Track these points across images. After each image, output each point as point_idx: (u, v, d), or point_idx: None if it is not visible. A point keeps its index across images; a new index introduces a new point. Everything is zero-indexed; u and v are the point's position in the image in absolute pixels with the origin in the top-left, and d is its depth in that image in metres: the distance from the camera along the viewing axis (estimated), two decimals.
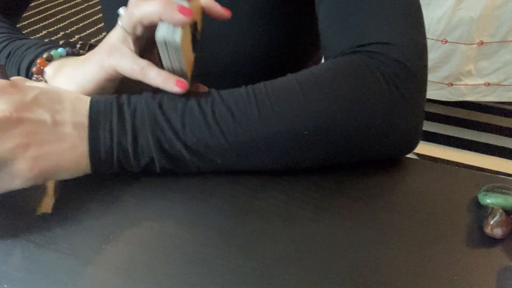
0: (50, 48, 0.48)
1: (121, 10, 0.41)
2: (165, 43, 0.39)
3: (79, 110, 0.39)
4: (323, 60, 0.66)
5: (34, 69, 0.45)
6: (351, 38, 0.45)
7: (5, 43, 0.50)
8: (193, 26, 0.41)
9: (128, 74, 0.41)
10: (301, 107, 0.40)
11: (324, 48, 0.49)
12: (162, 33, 0.38)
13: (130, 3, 0.41)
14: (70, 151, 0.38)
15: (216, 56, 0.57)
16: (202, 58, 0.46)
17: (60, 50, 0.47)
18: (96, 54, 0.43)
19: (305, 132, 0.40)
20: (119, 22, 0.41)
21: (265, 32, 0.56)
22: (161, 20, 0.39)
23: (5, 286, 0.33)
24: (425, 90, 0.45)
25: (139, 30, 0.41)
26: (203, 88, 0.44)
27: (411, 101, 0.43)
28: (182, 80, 0.40)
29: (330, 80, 0.41)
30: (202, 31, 0.45)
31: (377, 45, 0.43)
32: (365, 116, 0.41)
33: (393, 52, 0.43)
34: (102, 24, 2.69)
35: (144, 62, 0.41)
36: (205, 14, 0.44)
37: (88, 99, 0.40)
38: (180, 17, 0.38)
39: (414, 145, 0.45)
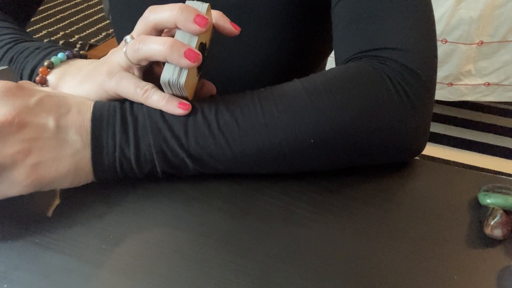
0: (50, 53, 0.48)
1: (128, 38, 0.40)
2: (169, 84, 0.38)
3: (84, 114, 0.39)
4: (326, 67, 0.66)
5: (37, 78, 0.45)
6: (362, 43, 0.45)
7: (8, 46, 0.50)
8: (201, 46, 0.39)
9: (131, 97, 0.40)
10: (308, 116, 0.40)
11: (335, 52, 0.49)
12: (167, 76, 0.37)
13: (136, 35, 0.40)
14: (72, 157, 0.38)
15: (226, 59, 0.57)
16: (210, 61, 0.45)
17: (60, 55, 0.46)
18: (98, 75, 0.41)
19: (312, 141, 0.40)
20: (124, 49, 0.39)
21: (278, 36, 0.55)
22: (167, 61, 0.37)
23: (5, 286, 0.33)
24: (433, 97, 0.45)
25: (143, 63, 0.39)
26: (209, 85, 0.44)
27: (420, 107, 0.43)
28: (185, 102, 0.39)
29: (338, 87, 0.41)
30: (213, 41, 0.43)
31: (388, 51, 0.43)
32: (372, 124, 0.41)
33: (403, 58, 0.43)
34: (102, 24, 2.69)
35: (147, 85, 0.40)
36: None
37: (92, 103, 0.40)
38: (186, 62, 0.36)
39: (421, 149, 0.45)
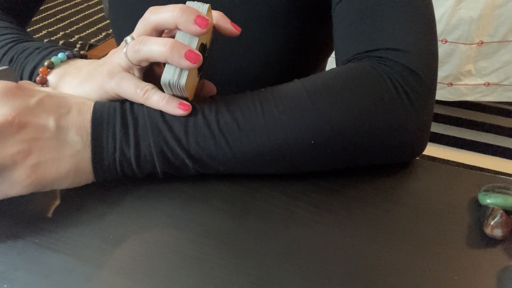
0: (51, 53, 0.48)
1: (128, 39, 0.40)
2: (170, 85, 0.38)
3: (84, 114, 0.39)
4: (327, 68, 0.66)
5: (37, 78, 0.45)
6: (362, 43, 0.45)
7: (9, 46, 0.50)
8: (202, 47, 0.40)
9: (131, 98, 0.40)
10: (309, 116, 0.40)
11: (336, 52, 0.49)
12: (168, 77, 0.37)
13: (137, 36, 0.40)
14: (72, 157, 0.38)
15: (227, 59, 0.57)
16: (211, 62, 0.45)
17: (60, 55, 0.46)
18: (98, 75, 0.41)
19: (312, 142, 0.40)
20: (124, 50, 0.39)
21: (278, 37, 0.55)
22: (167, 62, 0.37)
23: (5, 286, 0.33)
24: (434, 97, 0.45)
25: (144, 64, 0.39)
26: (209, 85, 0.44)
27: (420, 108, 0.43)
28: (185, 102, 0.39)
29: (339, 88, 0.41)
30: (214, 41, 0.43)
31: (388, 51, 0.43)
32: (373, 125, 0.41)
33: (404, 58, 0.43)
34: (102, 24, 2.69)
35: (147, 86, 0.40)
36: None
37: (92, 104, 0.40)
38: (187, 63, 0.36)
39: (421, 150, 0.45)
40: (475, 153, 1.74)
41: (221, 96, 0.42)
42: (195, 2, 0.39)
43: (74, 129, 0.38)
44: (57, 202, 0.41)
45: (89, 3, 3.01)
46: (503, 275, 0.35)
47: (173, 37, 0.38)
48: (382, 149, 0.43)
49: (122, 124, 0.39)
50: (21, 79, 0.48)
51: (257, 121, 0.40)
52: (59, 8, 2.92)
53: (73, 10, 2.89)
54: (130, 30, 0.41)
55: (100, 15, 2.83)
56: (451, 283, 0.34)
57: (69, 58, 0.47)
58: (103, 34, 2.56)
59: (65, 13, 2.83)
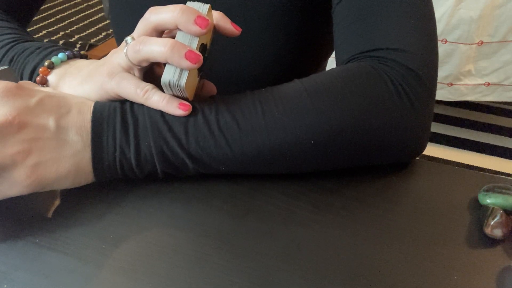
0: (51, 53, 0.48)
1: (129, 39, 0.40)
2: (170, 85, 0.38)
3: (84, 115, 0.39)
4: (327, 68, 0.66)
5: (38, 78, 0.45)
6: (362, 43, 0.45)
7: (9, 46, 0.50)
8: (202, 47, 0.40)
9: (131, 98, 0.40)
10: (309, 117, 0.40)
11: (336, 52, 0.49)
12: (168, 77, 0.37)
13: (137, 36, 0.40)
14: (72, 157, 0.38)
15: (227, 59, 0.57)
16: (211, 62, 0.44)
17: (60, 55, 0.46)
18: (98, 75, 0.41)
19: (312, 142, 0.40)
20: (125, 50, 0.39)
21: (279, 37, 0.55)
22: (167, 62, 0.37)
23: (5, 286, 0.33)
24: (434, 97, 0.45)
25: (144, 64, 0.39)
26: (209, 85, 0.44)
27: (420, 108, 0.43)
28: (185, 102, 0.39)
29: (339, 88, 0.41)
30: (214, 41, 0.43)
31: (389, 51, 0.43)
32: (373, 125, 0.41)
33: (404, 59, 0.43)
34: (102, 24, 2.69)
35: (147, 86, 0.40)
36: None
37: (92, 104, 0.40)
38: (187, 63, 0.36)
39: (422, 149, 0.45)
40: (475, 153, 1.74)
41: (221, 96, 0.42)
42: (196, 2, 0.39)
43: (74, 129, 0.38)
44: (57, 202, 0.41)
45: (89, 3, 3.01)
46: (503, 275, 0.35)
47: (174, 37, 0.38)
48: (382, 149, 0.43)
49: (122, 124, 0.39)
50: (21, 79, 0.48)
51: (257, 121, 0.40)
52: (59, 8, 2.92)
53: (73, 10, 2.90)
54: (130, 30, 0.41)
55: (100, 15, 2.83)
56: (451, 283, 0.34)
57: (69, 58, 0.47)
58: (103, 34, 2.56)
59: (65, 13, 2.83)
